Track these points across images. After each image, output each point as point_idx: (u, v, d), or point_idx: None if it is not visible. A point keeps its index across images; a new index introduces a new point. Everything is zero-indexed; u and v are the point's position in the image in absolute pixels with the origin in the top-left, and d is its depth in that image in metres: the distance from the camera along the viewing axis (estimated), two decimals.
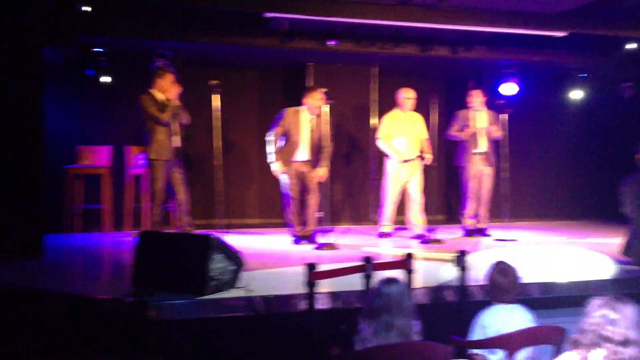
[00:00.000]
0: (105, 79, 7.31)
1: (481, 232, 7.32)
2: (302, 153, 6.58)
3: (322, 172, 6.60)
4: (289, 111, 6.60)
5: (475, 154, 7.25)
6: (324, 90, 6.55)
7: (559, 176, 9.49)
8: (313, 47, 7.36)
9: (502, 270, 3.35)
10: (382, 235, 7.12)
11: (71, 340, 4.08)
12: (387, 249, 6.41)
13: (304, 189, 6.65)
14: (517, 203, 8.35)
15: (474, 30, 7.12)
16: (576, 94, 8.78)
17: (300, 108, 6.60)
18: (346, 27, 7.06)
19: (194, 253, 4.13)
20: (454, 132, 7.32)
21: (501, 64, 8.25)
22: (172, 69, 6.33)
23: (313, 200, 6.62)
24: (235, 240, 6.44)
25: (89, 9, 6.05)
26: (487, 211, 7.40)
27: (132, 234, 6.46)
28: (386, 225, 7.13)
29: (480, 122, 7.28)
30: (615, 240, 6.85)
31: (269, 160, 6.63)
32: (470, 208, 7.35)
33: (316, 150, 6.62)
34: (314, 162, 6.63)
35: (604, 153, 9.49)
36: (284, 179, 6.60)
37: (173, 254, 4.21)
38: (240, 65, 8.48)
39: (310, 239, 6.58)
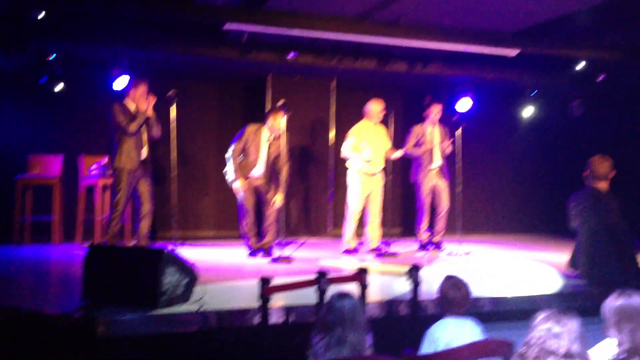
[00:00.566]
0: (59, 87, 7.15)
1: (436, 245, 7.41)
2: (258, 169, 6.60)
3: (279, 199, 6.61)
4: (251, 129, 6.59)
5: (431, 169, 7.34)
6: (282, 101, 6.56)
7: (510, 191, 9.70)
8: (273, 60, 7.36)
9: (453, 284, 3.39)
10: (348, 251, 7.05)
11: (16, 357, 3.95)
12: (343, 263, 6.42)
13: (260, 201, 6.62)
14: (469, 217, 8.48)
15: (431, 47, 7.24)
16: (528, 111, 9.01)
17: (262, 127, 6.59)
18: (306, 40, 7.09)
19: (146, 266, 4.06)
20: (410, 149, 7.38)
21: (457, 80, 8.41)
22: (146, 80, 6.26)
23: (269, 212, 6.59)
24: (190, 252, 6.39)
25: (42, 15, 5.92)
26: (445, 225, 7.47)
27: (83, 246, 6.33)
28: (350, 241, 7.09)
29: (435, 137, 7.40)
30: (564, 255, 7.05)
31: (229, 178, 6.58)
32: (425, 222, 7.43)
33: (272, 166, 6.61)
34: (270, 176, 6.62)
35: (554, 169, 9.74)
36: (240, 191, 6.57)
37: (124, 268, 4.13)
38: (199, 77, 8.42)
39: (266, 251, 6.54)
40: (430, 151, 7.34)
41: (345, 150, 7.06)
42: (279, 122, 6.49)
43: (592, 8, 6.14)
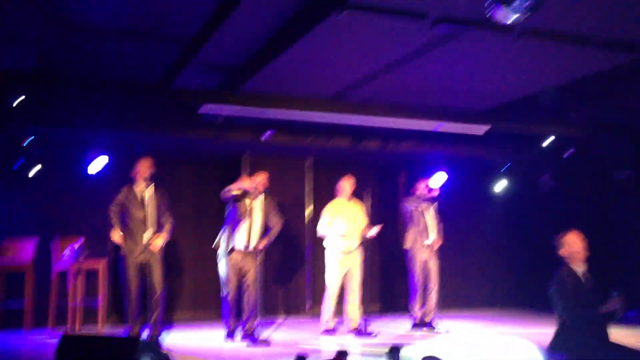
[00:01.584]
0: (34, 171, 7.11)
1: (428, 324, 7.26)
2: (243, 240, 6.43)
3: (262, 244, 6.50)
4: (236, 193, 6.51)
5: (424, 245, 7.30)
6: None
7: (484, 264, 9.69)
8: (248, 139, 7.44)
9: None
10: (327, 331, 6.90)
11: None
12: (322, 345, 6.29)
13: (240, 282, 6.46)
14: (446, 292, 8.43)
15: (403, 126, 7.40)
16: (500, 186, 9.16)
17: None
18: (281, 121, 7.21)
19: (120, 357, 3.92)
20: (411, 233, 7.37)
21: (429, 156, 8.57)
22: (149, 158, 6.24)
23: (249, 294, 6.42)
24: (166, 336, 6.23)
25: (19, 100, 5.96)
26: (436, 303, 7.34)
27: (55, 332, 6.13)
28: (329, 321, 6.95)
29: (429, 213, 7.42)
30: (541, 329, 7.01)
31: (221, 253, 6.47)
32: (419, 299, 7.30)
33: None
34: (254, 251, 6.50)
35: (528, 242, 9.81)
36: (224, 266, 6.41)
37: (97, 358, 3.98)
38: (175, 157, 8.45)
39: (250, 335, 6.34)
40: (426, 227, 7.34)
41: (321, 228, 7.05)
42: (256, 180, 6.46)
43: (557, 87, 6.38)
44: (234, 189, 6.37)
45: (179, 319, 8.11)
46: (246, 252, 6.39)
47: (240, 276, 6.43)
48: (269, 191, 6.60)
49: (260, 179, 6.52)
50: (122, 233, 6.03)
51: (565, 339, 5.05)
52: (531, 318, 8.19)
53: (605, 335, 5.05)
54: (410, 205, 7.37)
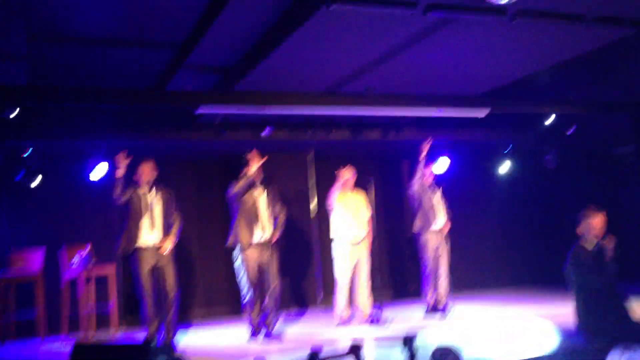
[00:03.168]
0: (36, 182, 7.13)
1: (442, 309, 7.24)
2: (264, 230, 6.32)
3: (275, 234, 6.42)
4: (235, 183, 6.40)
5: (433, 230, 7.26)
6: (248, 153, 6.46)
7: (492, 246, 9.70)
8: (247, 138, 7.44)
9: (440, 355, 3.34)
10: (342, 322, 6.92)
11: None
12: (336, 337, 6.30)
13: (261, 276, 6.35)
14: (456, 275, 8.43)
15: (402, 114, 7.38)
16: (504, 168, 9.15)
17: (243, 180, 6.39)
18: (279, 117, 7.20)
19: None
20: (417, 184, 7.27)
21: (431, 142, 8.54)
22: (150, 161, 6.16)
23: (272, 289, 6.32)
24: (179, 337, 6.26)
25: (16, 112, 5.97)
26: (448, 287, 7.34)
27: (69, 338, 6.16)
28: (343, 312, 6.96)
29: (436, 197, 7.40)
30: (553, 307, 7.02)
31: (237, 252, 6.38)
32: (432, 285, 7.28)
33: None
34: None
35: (534, 221, 9.83)
36: (241, 264, 6.29)
37: None
38: (175, 159, 8.46)
39: (269, 329, 6.28)
40: (434, 211, 7.31)
41: (330, 202, 7.02)
42: (253, 167, 6.34)
43: (555, 67, 6.35)
44: (241, 183, 6.31)
45: (191, 318, 8.15)
46: (263, 246, 6.31)
47: (260, 271, 6.32)
48: (268, 182, 6.54)
49: (256, 166, 6.39)
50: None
51: (584, 317, 5.07)
52: (542, 297, 8.19)
53: (625, 314, 5.06)
54: (415, 187, 7.33)
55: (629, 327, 4.92)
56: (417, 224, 7.34)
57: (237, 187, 6.31)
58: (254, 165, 6.32)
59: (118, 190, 5.91)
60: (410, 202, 7.49)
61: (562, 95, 7.46)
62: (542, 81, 6.75)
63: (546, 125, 8.03)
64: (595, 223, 5.04)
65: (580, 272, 5.00)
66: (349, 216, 6.97)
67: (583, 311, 5.10)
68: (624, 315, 5.07)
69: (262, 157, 6.41)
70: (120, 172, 5.90)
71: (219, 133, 7.16)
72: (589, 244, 5.07)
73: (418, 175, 7.30)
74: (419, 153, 7.28)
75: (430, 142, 7.31)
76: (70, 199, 7.76)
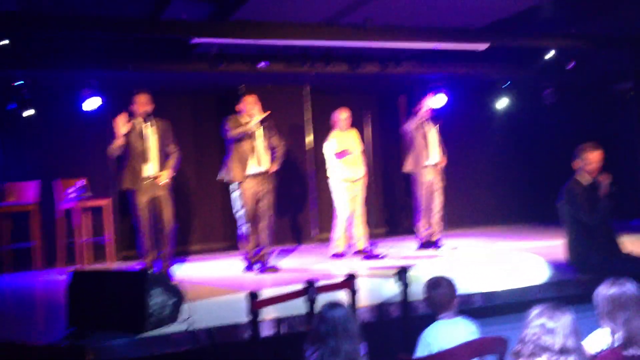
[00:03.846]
0: (28, 112, 7.03)
1: (434, 244, 7.32)
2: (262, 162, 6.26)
3: (273, 167, 6.41)
4: (232, 117, 6.30)
5: (427, 166, 7.25)
6: (242, 86, 6.30)
7: (489, 183, 9.75)
8: (243, 70, 7.32)
9: (435, 284, 3.38)
10: (336, 255, 7.01)
11: None
12: (331, 269, 6.39)
13: (256, 209, 6.31)
14: (452, 212, 8.51)
15: (401, 47, 7.25)
16: (502, 103, 9.08)
17: (238, 116, 6.31)
18: (276, 49, 7.06)
19: (131, 289, 3.99)
20: (413, 124, 7.21)
21: (430, 77, 8.45)
22: (145, 93, 5.96)
23: (264, 221, 6.31)
24: (176, 269, 6.33)
25: (6, 42, 5.82)
26: (441, 222, 7.40)
27: (66, 271, 6.21)
28: (339, 245, 7.04)
29: (431, 133, 7.36)
30: (547, 242, 7.11)
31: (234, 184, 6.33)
32: (424, 220, 7.31)
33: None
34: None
35: (531, 158, 9.85)
36: (238, 198, 6.26)
37: (109, 292, 4.06)
38: (171, 92, 8.34)
39: (264, 263, 6.30)
40: (427, 146, 7.27)
41: (329, 152, 7.00)
42: (251, 103, 6.24)
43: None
44: (239, 130, 6.20)
45: (188, 252, 8.23)
46: (259, 177, 6.26)
47: (256, 203, 6.29)
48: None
49: (252, 104, 6.29)
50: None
51: (575, 251, 5.14)
52: (536, 232, 8.30)
53: (616, 247, 5.12)
54: (410, 126, 7.29)
55: (619, 261, 5.00)
56: (408, 162, 7.30)
57: (234, 132, 6.19)
58: (255, 118, 6.17)
59: (115, 149, 5.82)
60: (404, 138, 7.44)
61: (562, 29, 7.32)
62: (543, 14, 6.61)
63: (545, 61, 7.93)
64: (592, 158, 5.03)
65: (573, 207, 5.04)
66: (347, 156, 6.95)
67: (574, 245, 5.18)
68: (615, 250, 5.14)
69: (258, 95, 6.29)
70: (121, 134, 5.73)
71: (215, 65, 7.02)
72: (584, 179, 5.08)
73: (416, 119, 7.23)
74: (420, 102, 7.20)
75: (432, 97, 7.25)
76: (64, 132, 7.68)
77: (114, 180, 7.59)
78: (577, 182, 5.10)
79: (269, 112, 6.26)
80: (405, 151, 7.46)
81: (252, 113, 6.24)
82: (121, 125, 5.74)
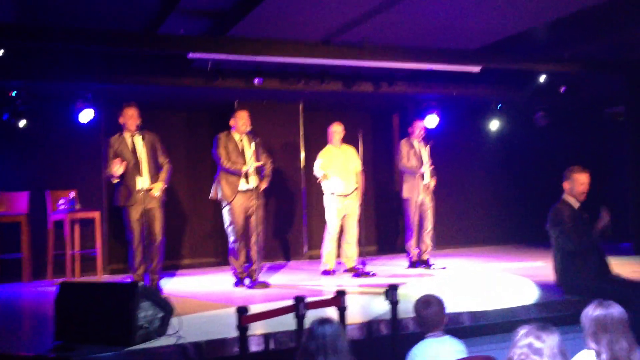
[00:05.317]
0: (21, 123, 7.02)
1: (425, 263, 7.34)
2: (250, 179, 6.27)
3: (263, 185, 6.38)
4: (222, 135, 6.33)
5: (419, 185, 7.29)
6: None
7: (480, 203, 9.77)
8: (239, 86, 7.36)
9: (426, 302, 3.39)
10: (326, 272, 6.98)
11: None
12: (321, 285, 6.38)
13: (246, 225, 6.33)
14: (441, 231, 8.53)
15: (396, 67, 7.32)
16: (494, 125, 9.15)
17: (230, 133, 6.35)
18: (271, 66, 7.11)
19: (119, 302, 3.98)
20: (405, 163, 7.29)
21: (423, 97, 8.52)
22: (133, 105, 5.98)
23: (254, 238, 6.28)
24: (165, 283, 6.31)
25: (1, 52, 5.84)
26: (431, 241, 7.42)
27: (54, 283, 6.18)
28: (329, 262, 7.03)
29: (423, 153, 7.41)
30: (536, 264, 7.14)
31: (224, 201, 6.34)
32: (414, 239, 7.35)
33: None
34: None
35: (522, 179, 9.90)
36: (227, 214, 6.26)
37: (97, 304, 4.03)
38: (165, 106, 8.36)
39: (253, 279, 6.28)
40: (420, 166, 7.32)
41: (316, 168, 7.05)
42: (243, 119, 6.30)
43: (549, 23, 6.29)
44: (240, 168, 6.25)
45: (177, 266, 8.20)
46: (249, 194, 6.25)
47: (246, 218, 6.29)
48: (256, 132, 6.47)
49: (239, 124, 6.33)
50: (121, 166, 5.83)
51: (563, 273, 5.16)
52: (526, 254, 8.32)
53: (605, 269, 5.14)
54: (404, 148, 7.34)
55: (607, 283, 5.02)
56: (406, 188, 7.36)
57: (226, 165, 6.20)
58: (250, 163, 6.22)
59: (111, 179, 5.89)
60: (397, 159, 7.48)
61: (555, 52, 7.41)
62: (537, 38, 6.70)
63: (538, 84, 8.02)
64: (579, 179, 5.08)
65: (559, 230, 5.06)
66: (338, 170, 6.97)
67: (561, 267, 5.20)
68: (604, 272, 5.16)
69: (253, 111, 6.34)
70: (116, 175, 5.80)
71: (210, 80, 7.06)
72: (572, 201, 5.12)
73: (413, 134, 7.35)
74: (413, 122, 7.29)
75: (423, 124, 7.43)
76: (56, 143, 7.65)
77: (104, 192, 7.59)
78: (565, 203, 5.13)
79: (262, 162, 6.30)
80: (397, 171, 7.50)
81: (243, 130, 6.27)
82: (116, 168, 5.77)
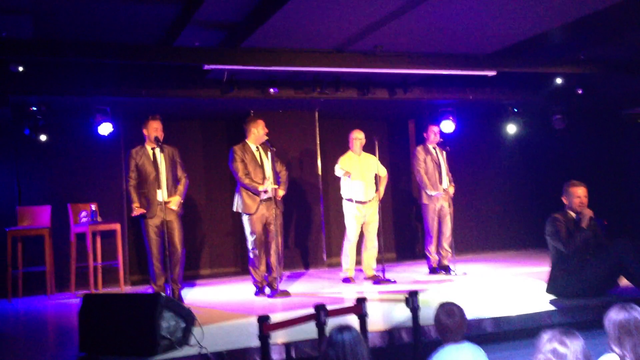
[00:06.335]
0: (42, 138, 7.14)
1: (445, 269, 7.33)
2: (268, 185, 6.27)
3: (280, 192, 6.36)
4: (238, 147, 6.35)
5: (437, 191, 7.27)
6: (252, 112, 6.33)
7: (499, 208, 9.71)
8: (254, 96, 7.41)
9: (447, 311, 3.37)
10: (346, 280, 6.99)
11: None
12: (341, 293, 6.38)
13: (265, 234, 6.35)
14: (461, 237, 8.49)
15: (410, 73, 7.33)
16: (510, 129, 9.10)
17: (246, 143, 6.38)
18: (286, 75, 7.15)
19: (142, 313, 4.02)
20: (422, 175, 7.29)
21: (438, 103, 8.51)
22: (156, 117, 6.07)
23: (274, 246, 6.28)
24: (185, 293, 6.35)
25: (21, 68, 5.95)
26: (450, 247, 7.39)
27: (77, 295, 6.24)
28: (349, 270, 7.04)
29: (441, 158, 7.40)
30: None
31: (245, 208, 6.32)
32: (433, 245, 7.34)
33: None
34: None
35: (539, 183, 9.82)
36: (247, 223, 6.28)
37: (120, 316, 4.08)
38: (182, 117, 8.45)
39: (273, 287, 6.29)
40: (439, 171, 7.31)
41: (337, 170, 7.03)
42: (260, 128, 6.34)
43: (564, 26, 6.26)
44: (257, 186, 6.26)
45: (197, 277, 8.25)
46: (268, 203, 6.26)
47: (265, 227, 6.31)
48: (273, 141, 6.49)
49: (259, 131, 6.36)
50: (139, 206, 5.98)
51: (552, 280, 5.27)
52: (547, 258, 8.21)
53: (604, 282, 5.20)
54: (421, 155, 7.33)
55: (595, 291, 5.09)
56: (424, 195, 7.34)
57: (245, 182, 6.21)
58: (268, 184, 6.23)
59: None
60: (413, 166, 7.45)
61: (571, 55, 7.37)
62: (552, 41, 6.67)
63: (554, 86, 7.97)
64: (575, 192, 5.24)
65: (552, 236, 5.20)
66: (357, 177, 6.97)
67: (553, 273, 5.30)
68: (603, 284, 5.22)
69: (270, 121, 6.38)
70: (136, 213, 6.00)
71: (226, 90, 7.12)
72: (569, 214, 5.25)
73: (428, 140, 7.35)
74: (427, 134, 7.33)
75: (438, 128, 7.43)
76: (77, 156, 7.76)
77: (125, 204, 7.67)
78: (564, 213, 5.29)
79: (275, 187, 6.28)
80: (414, 177, 7.48)
81: (260, 136, 6.30)
82: (137, 212, 5.96)
